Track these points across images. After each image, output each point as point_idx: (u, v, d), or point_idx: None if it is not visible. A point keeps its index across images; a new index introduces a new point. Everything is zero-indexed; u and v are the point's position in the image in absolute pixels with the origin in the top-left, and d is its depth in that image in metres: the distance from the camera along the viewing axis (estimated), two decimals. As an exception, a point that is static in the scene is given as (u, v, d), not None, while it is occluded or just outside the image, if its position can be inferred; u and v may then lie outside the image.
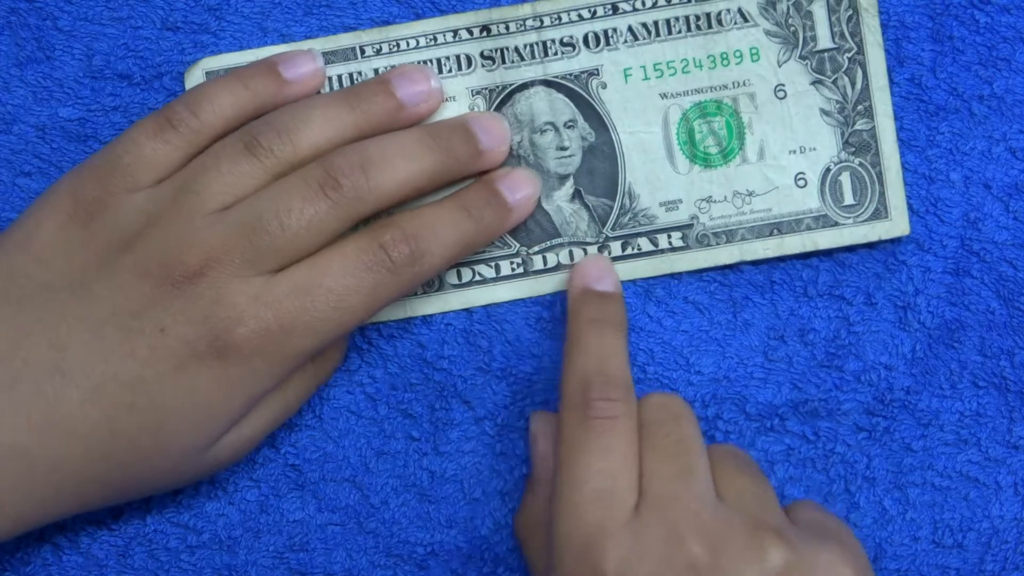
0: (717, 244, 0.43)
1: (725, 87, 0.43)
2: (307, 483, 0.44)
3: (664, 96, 0.43)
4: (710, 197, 0.43)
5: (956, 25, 0.44)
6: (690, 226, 0.43)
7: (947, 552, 0.44)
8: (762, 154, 0.43)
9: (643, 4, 0.43)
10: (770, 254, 0.43)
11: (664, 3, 0.43)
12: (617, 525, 0.36)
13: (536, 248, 0.43)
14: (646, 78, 0.43)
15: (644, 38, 0.43)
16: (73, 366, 0.37)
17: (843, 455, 0.44)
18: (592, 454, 0.37)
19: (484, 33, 0.43)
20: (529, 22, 0.43)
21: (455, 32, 0.43)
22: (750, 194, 0.43)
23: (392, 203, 0.40)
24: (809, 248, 0.43)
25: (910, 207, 0.44)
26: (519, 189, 0.42)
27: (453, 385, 0.44)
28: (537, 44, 0.43)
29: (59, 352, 0.37)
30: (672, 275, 0.44)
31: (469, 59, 0.43)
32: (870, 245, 0.44)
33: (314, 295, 0.38)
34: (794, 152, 0.43)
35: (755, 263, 0.44)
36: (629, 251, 0.43)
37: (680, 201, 0.43)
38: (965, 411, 0.44)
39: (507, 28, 0.43)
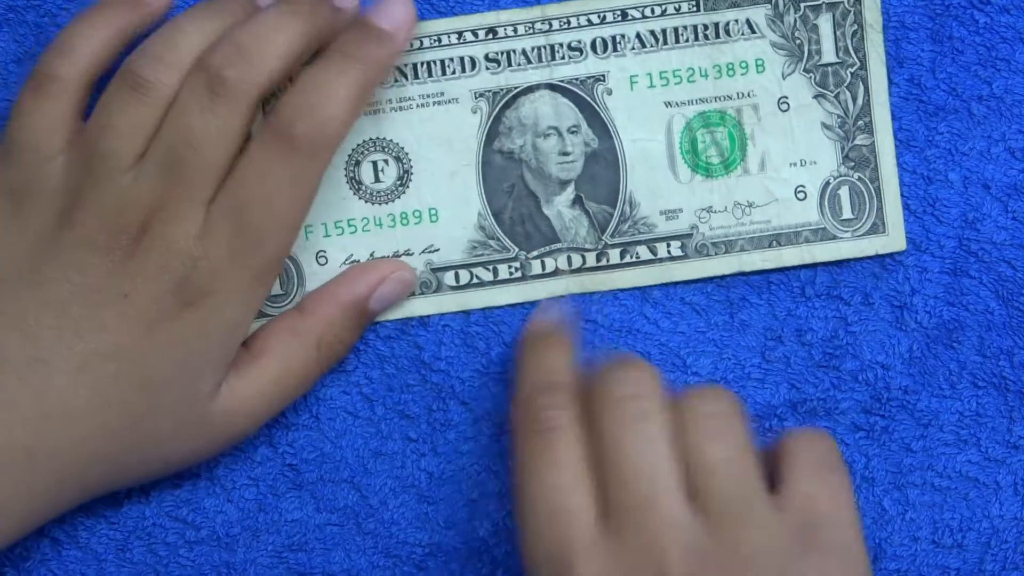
0: (716, 254, 0.43)
1: (729, 97, 0.43)
2: (305, 483, 0.44)
3: (668, 104, 0.43)
4: (710, 207, 0.43)
5: (956, 25, 0.44)
6: (689, 236, 0.43)
7: (947, 552, 0.43)
8: (763, 166, 0.43)
9: (652, 12, 0.43)
10: (768, 265, 0.43)
11: (673, 11, 0.43)
12: (583, 544, 0.35)
13: (535, 253, 0.43)
14: (651, 85, 0.43)
15: (651, 45, 0.43)
16: (50, 352, 0.38)
17: (841, 454, 0.44)
18: (542, 470, 0.37)
19: (490, 35, 0.43)
20: (538, 25, 0.43)
21: (459, 34, 0.43)
22: (750, 205, 0.43)
23: (281, 77, 0.39)
24: (807, 260, 0.43)
25: (908, 207, 0.44)
26: (391, 16, 0.40)
27: (451, 387, 0.44)
28: (544, 48, 0.43)
29: (33, 342, 0.38)
30: (670, 277, 0.44)
31: (473, 61, 0.43)
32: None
33: (245, 211, 0.38)
34: (795, 165, 0.43)
35: (751, 263, 0.44)
36: (628, 259, 0.43)
37: (680, 210, 0.43)
38: (964, 411, 0.44)
39: (514, 31, 0.43)
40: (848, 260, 0.44)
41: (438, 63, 0.43)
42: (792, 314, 0.44)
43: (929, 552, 0.43)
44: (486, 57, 0.43)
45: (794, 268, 0.44)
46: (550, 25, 0.43)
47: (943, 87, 0.44)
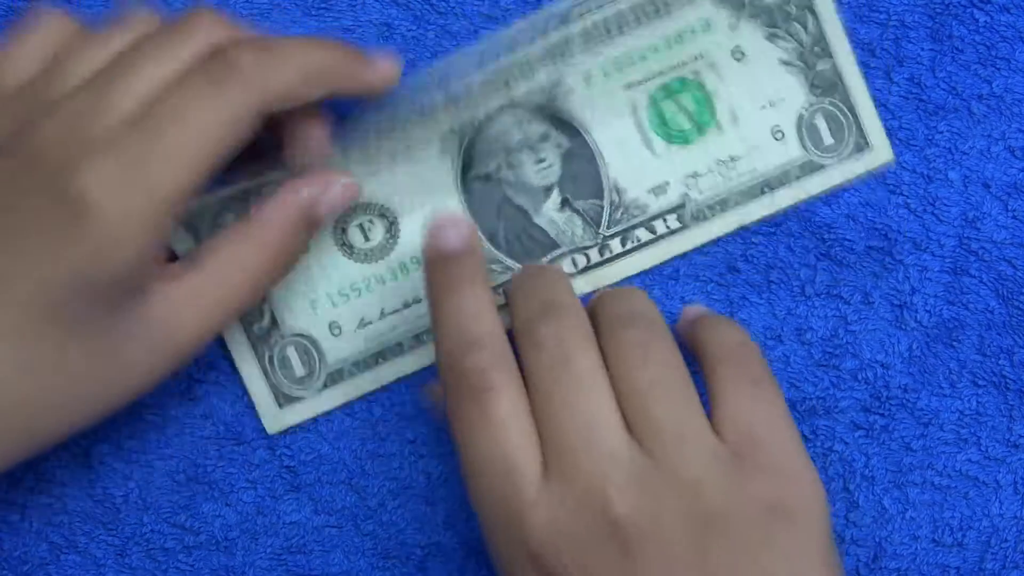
0: (713, 216, 0.43)
1: (685, 63, 0.43)
2: (303, 485, 0.44)
3: (629, 87, 0.43)
4: (695, 172, 0.43)
5: (956, 24, 0.44)
6: (682, 205, 0.43)
7: (947, 551, 0.44)
8: (735, 118, 0.43)
9: (590, 7, 0.42)
10: (766, 212, 0.43)
11: (610, 0, 0.43)
12: (531, 496, 0.35)
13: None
14: (607, 75, 0.43)
15: (598, 38, 0.43)
16: None
17: (841, 453, 0.44)
18: (483, 432, 0.35)
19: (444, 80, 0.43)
20: (488, 62, 0.43)
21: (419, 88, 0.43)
22: (733, 159, 0.43)
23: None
24: (802, 197, 0.43)
25: (907, 206, 0.44)
26: (381, 65, 0.40)
27: (450, 386, 0.44)
28: (498, 76, 0.43)
29: None
30: (669, 277, 0.44)
31: (432, 107, 0.43)
32: (871, 244, 0.44)
33: (160, 123, 0.35)
34: (764, 107, 0.43)
35: (751, 262, 0.44)
36: (629, 245, 0.43)
37: (667, 183, 0.43)
38: (964, 410, 0.44)
39: (466, 71, 0.43)
40: (848, 260, 0.44)
41: (399, 119, 0.43)
42: (792, 313, 0.44)
43: (929, 551, 0.44)
44: (444, 98, 0.43)
45: (794, 267, 0.44)
46: (498, 55, 0.43)
47: (943, 86, 0.44)
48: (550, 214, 0.43)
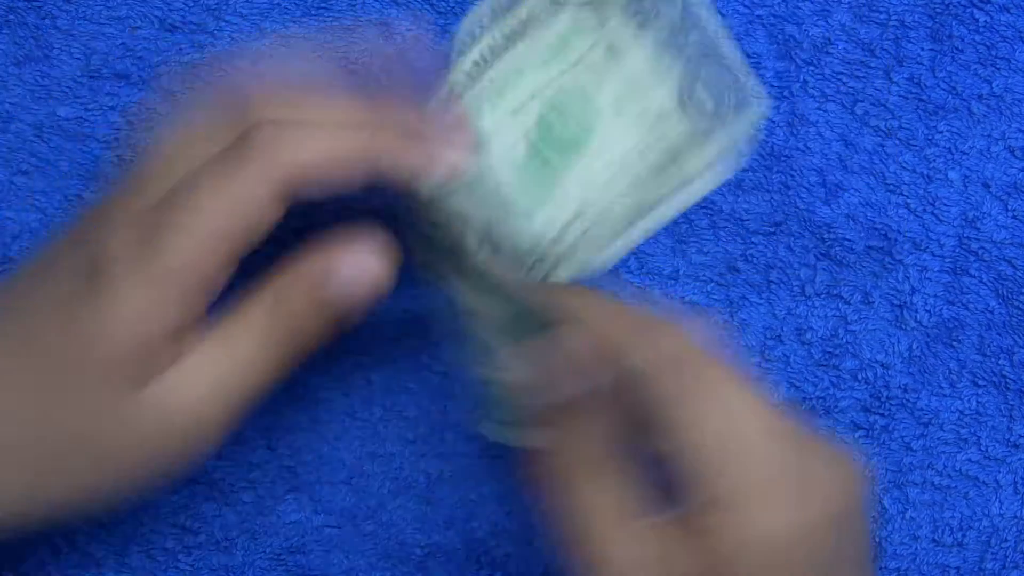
0: (621, 210, 0.42)
1: (564, 72, 0.42)
2: (303, 485, 0.44)
3: (515, 112, 0.42)
4: (591, 175, 0.42)
5: (956, 24, 0.44)
6: (585, 211, 0.42)
7: (947, 551, 0.44)
8: (620, 112, 0.42)
9: (466, 48, 0.42)
10: (670, 189, 0.42)
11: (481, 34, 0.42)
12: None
13: None
14: (493, 106, 0.41)
15: (477, 73, 0.42)
16: None
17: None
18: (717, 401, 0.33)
19: None
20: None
21: None
22: (627, 151, 0.42)
23: None
24: (702, 165, 0.42)
25: (907, 206, 0.44)
26: (440, 150, 0.38)
27: (449, 388, 0.44)
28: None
29: None
30: (669, 277, 0.44)
31: None
32: (871, 243, 0.44)
33: (175, 198, 0.35)
34: (647, 92, 0.42)
35: (751, 262, 0.44)
36: (548, 266, 0.42)
37: (569, 192, 0.42)
38: (964, 410, 0.44)
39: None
40: (848, 259, 0.44)
41: None
42: (792, 313, 0.44)
43: (929, 551, 0.44)
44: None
45: (794, 267, 0.44)
46: None
47: (943, 86, 0.44)
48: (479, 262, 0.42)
